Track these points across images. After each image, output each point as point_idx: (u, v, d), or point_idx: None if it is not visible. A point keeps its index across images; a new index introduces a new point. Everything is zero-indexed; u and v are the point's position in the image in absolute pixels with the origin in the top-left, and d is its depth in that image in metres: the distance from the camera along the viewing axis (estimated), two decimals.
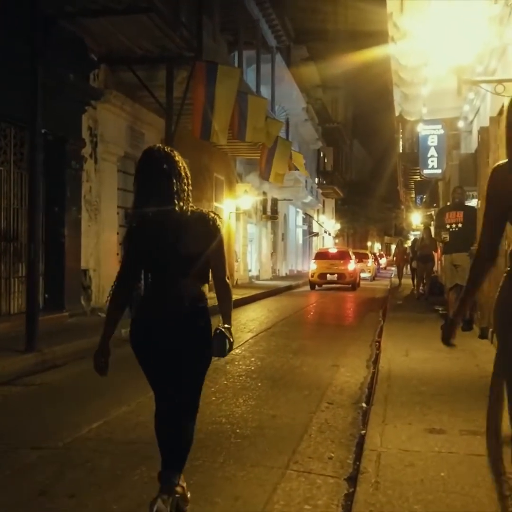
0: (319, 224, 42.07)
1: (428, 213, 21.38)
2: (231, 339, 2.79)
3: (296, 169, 18.25)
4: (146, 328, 2.84)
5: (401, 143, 17.79)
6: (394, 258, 22.03)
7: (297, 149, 33.09)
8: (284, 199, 28.74)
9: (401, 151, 17.57)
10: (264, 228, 25.73)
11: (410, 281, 18.17)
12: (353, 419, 4.69)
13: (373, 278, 30.11)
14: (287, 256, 31.39)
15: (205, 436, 4.01)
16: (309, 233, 39.83)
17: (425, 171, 11.55)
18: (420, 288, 14.87)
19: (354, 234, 57.84)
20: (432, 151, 11.39)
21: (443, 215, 8.71)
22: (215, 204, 18.03)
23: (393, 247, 33.06)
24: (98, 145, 10.85)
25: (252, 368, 6.66)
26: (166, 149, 2.89)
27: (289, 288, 21.77)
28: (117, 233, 12.13)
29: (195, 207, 2.89)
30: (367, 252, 36.34)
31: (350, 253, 23.41)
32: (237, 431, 4.33)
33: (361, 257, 27.82)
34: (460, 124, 10.10)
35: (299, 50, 33.01)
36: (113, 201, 11.48)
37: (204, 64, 11.05)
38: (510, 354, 2.25)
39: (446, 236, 8.42)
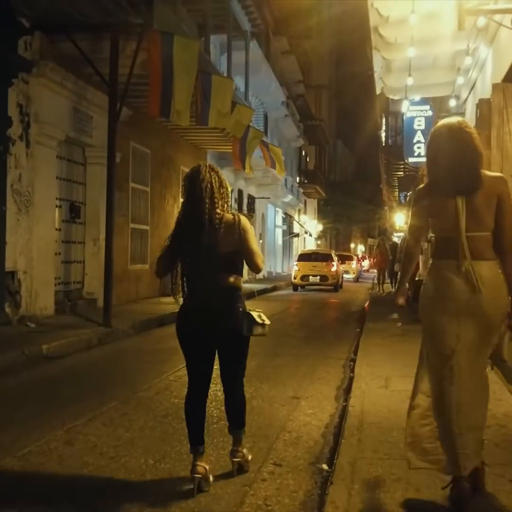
0: (300, 224, 40.63)
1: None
2: (259, 320, 3.31)
3: (273, 166, 16.65)
4: (192, 312, 3.34)
5: (383, 135, 16.35)
6: (374, 260, 19.66)
7: (276, 145, 31.72)
8: (262, 198, 27.24)
9: (383, 144, 16.16)
10: None
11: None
12: (306, 494, 3.20)
13: (357, 279, 30.61)
14: (265, 258, 29.88)
15: None
16: (290, 234, 38.36)
17: (411, 159, 10.01)
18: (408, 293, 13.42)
19: (337, 235, 56.60)
20: (419, 136, 9.83)
21: None
22: (181, 199, 16.46)
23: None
24: (31, 126, 9.27)
25: (182, 405, 5.17)
26: (206, 166, 3.42)
27: (264, 291, 20.31)
28: (58, 230, 10.57)
29: (230, 212, 3.36)
30: (351, 254, 37.43)
31: (333, 255, 23.53)
32: None
33: (345, 259, 28.43)
34: (452, 103, 8.67)
35: (279, 42, 31.54)
36: (50, 192, 9.89)
37: (159, 34, 9.53)
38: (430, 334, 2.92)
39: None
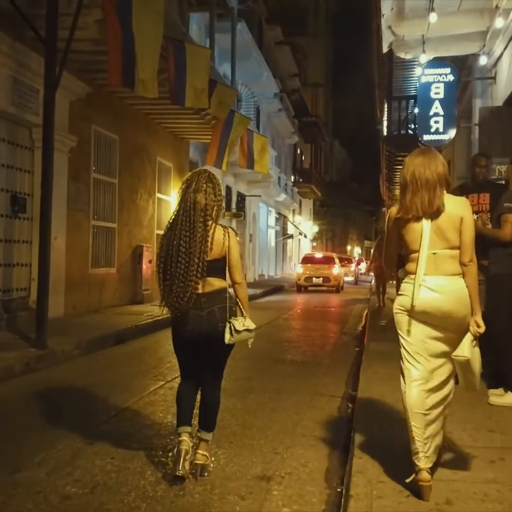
0: (294, 225, 38.79)
1: None
2: (237, 327, 3.35)
3: (251, 166, 14.42)
4: (185, 317, 3.41)
5: (385, 123, 14.50)
6: (371, 263, 16.32)
7: (270, 143, 29.85)
8: (252, 196, 25.40)
9: (385, 133, 14.30)
10: None
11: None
12: None
13: (356, 282, 31.12)
14: (256, 260, 28.02)
15: None
16: (283, 235, 36.51)
17: (426, 137, 8.05)
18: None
19: (333, 237, 54.84)
20: (437, 107, 7.81)
21: None
22: (158, 195, 14.62)
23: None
24: None
25: (93, 496, 3.33)
26: (209, 174, 3.47)
27: (252, 297, 18.47)
28: None
29: (220, 225, 3.42)
30: (351, 257, 39.00)
31: (335, 257, 24.71)
32: None
33: (345, 262, 29.72)
34: (482, 60, 6.81)
35: (273, 31, 29.73)
36: None
37: None
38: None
39: None
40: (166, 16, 9.34)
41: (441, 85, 7.72)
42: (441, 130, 7.80)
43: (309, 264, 23.48)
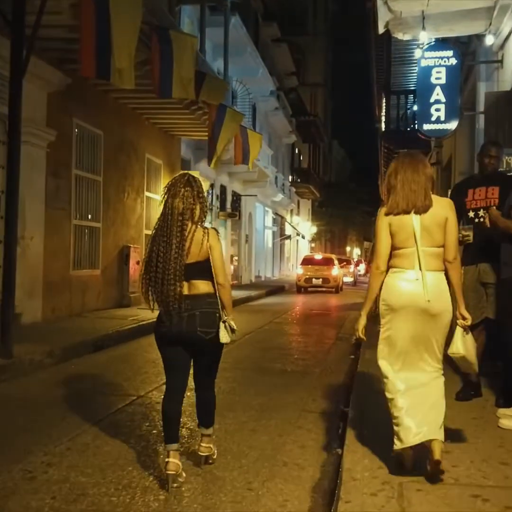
0: (292, 226, 38.18)
1: None
2: (233, 326, 3.42)
3: (246, 161, 13.69)
4: (167, 317, 3.39)
5: (383, 119, 13.89)
6: (369, 264, 16.05)
7: (267, 142, 29.28)
8: (247, 195, 24.79)
9: (383, 128, 13.69)
10: (221, 227, 21.71)
11: None
12: None
13: (355, 283, 31.26)
14: (252, 261, 27.40)
15: None
16: (281, 236, 35.89)
17: (426, 127, 7.32)
18: None
19: (332, 238, 54.22)
20: (438, 94, 7.03)
21: (462, 193, 4.91)
22: (147, 194, 14.01)
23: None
24: None
25: None
26: (188, 177, 3.48)
27: (247, 300, 17.89)
28: None
29: (202, 226, 3.46)
30: (350, 258, 38.79)
31: (335, 259, 25.18)
32: None
33: (344, 263, 29.88)
34: (488, 40, 6.19)
35: (269, 28, 29.15)
36: None
37: None
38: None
39: (468, 234, 4.64)
40: (153, 2, 8.80)
41: (443, 70, 7.02)
42: (442, 119, 7.08)
43: (309, 265, 23.85)
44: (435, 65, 7.04)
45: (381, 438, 3.59)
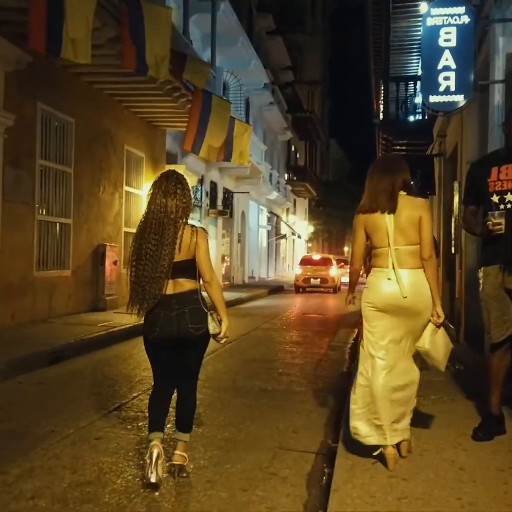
0: (287, 225, 37.14)
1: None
2: (212, 320, 3.42)
3: (228, 158, 12.41)
4: (155, 318, 3.39)
5: (381, 106, 12.86)
6: (365, 265, 14.99)
7: (261, 138, 28.22)
8: (239, 192, 23.75)
9: (381, 117, 12.65)
10: (212, 225, 20.65)
11: None
12: None
13: None
14: (245, 261, 26.36)
15: None
16: (276, 235, 34.84)
17: (432, 99, 5.91)
18: None
19: (329, 238, 53.20)
20: (447, 59, 5.81)
21: (484, 173, 3.88)
22: (126, 188, 12.95)
23: None
24: None
25: None
26: (177, 175, 3.53)
27: (238, 302, 16.88)
28: None
29: (189, 224, 3.47)
30: (347, 258, 37.05)
31: (333, 259, 25.24)
32: None
33: (342, 263, 29.77)
34: None
35: (264, 19, 28.11)
36: None
37: None
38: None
39: (499, 221, 3.61)
40: None
41: (453, 29, 5.74)
42: (452, 89, 5.79)
43: (307, 266, 23.91)
44: (444, 24, 5.81)
45: (379, 488, 2.56)
